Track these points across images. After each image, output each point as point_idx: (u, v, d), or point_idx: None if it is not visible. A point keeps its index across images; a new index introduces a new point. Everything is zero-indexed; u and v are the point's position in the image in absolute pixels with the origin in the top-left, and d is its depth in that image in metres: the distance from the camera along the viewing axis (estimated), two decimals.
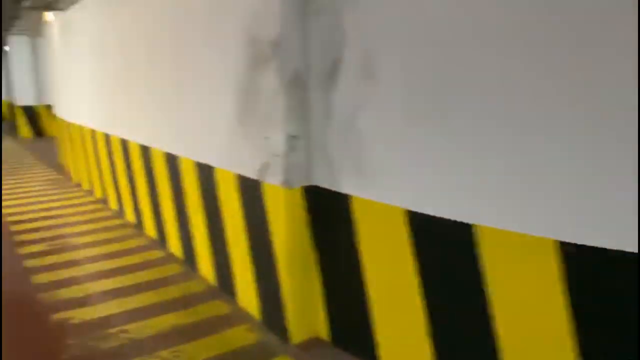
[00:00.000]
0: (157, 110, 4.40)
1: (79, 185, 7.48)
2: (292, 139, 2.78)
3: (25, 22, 10.45)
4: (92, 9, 5.89)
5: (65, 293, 3.69)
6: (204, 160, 3.67)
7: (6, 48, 15.19)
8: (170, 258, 4.38)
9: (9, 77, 16.57)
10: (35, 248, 4.71)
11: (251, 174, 3.08)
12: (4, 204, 6.40)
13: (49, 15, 8.14)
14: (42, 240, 4.94)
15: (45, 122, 14.57)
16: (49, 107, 14.55)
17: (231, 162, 3.32)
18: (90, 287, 3.82)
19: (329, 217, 2.81)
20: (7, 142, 13.42)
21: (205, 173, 3.65)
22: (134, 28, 4.70)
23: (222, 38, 3.21)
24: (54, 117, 10.15)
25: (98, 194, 6.59)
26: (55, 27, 8.15)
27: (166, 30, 4.02)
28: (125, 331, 3.14)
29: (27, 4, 6.57)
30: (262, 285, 3.19)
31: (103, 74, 5.82)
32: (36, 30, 13.58)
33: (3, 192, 7.13)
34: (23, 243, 4.84)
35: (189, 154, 3.90)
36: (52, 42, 8.74)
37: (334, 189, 2.73)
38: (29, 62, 14.45)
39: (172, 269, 4.15)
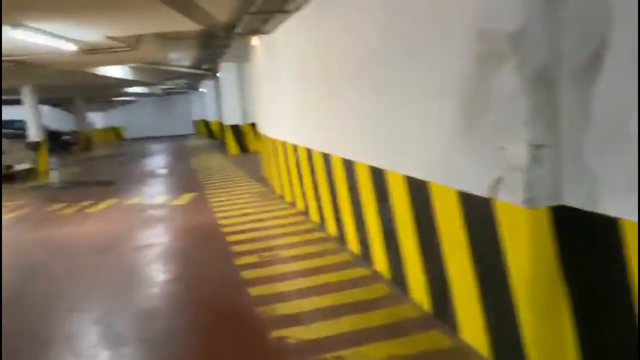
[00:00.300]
0: (361, 122, 4.26)
1: (282, 197, 7.87)
2: (536, 148, 2.29)
3: (234, 49, 11.57)
4: (294, 29, 6.10)
5: (280, 309, 3.72)
6: (415, 173, 3.36)
7: (218, 74, 17.23)
8: (376, 277, 4.18)
9: (220, 100, 18.78)
10: (248, 259, 4.94)
11: (477, 190, 2.66)
12: (220, 215, 7.00)
13: (254, 40, 8.81)
14: (254, 252, 5.18)
15: (250, 139, 16.03)
16: (252, 125, 16.03)
17: (450, 177, 2.94)
18: (301, 304, 3.79)
19: (585, 244, 2.25)
20: (218, 158, 15.08)
21: (417, 188, 3.34)
22: (336, 41, 4.66)
23: (443, 37, 2.87)
24: (258, 134, 11.03)
25: (300, 206, 6.80)
26: (260, 50, 8.78)
27: (372, 39, 3.84)
28: (341, 358, 2.97)
29: (238, 30, 7.10)
30: (493, 320, 2.73)
31: (304, 90, 5.97)
32: (242, 56, 15.10)
33: (219, 204, 7.84)
34: (238, 254, 5.13)
35: (397, 167, 3.64)
36: (257, 64, 9.46)
37: (593, 209, 2.17)
38: (236, 85, 16.07)
39: (380, 290, 3.93)
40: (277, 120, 7.85)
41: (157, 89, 25.98)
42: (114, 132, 32.26)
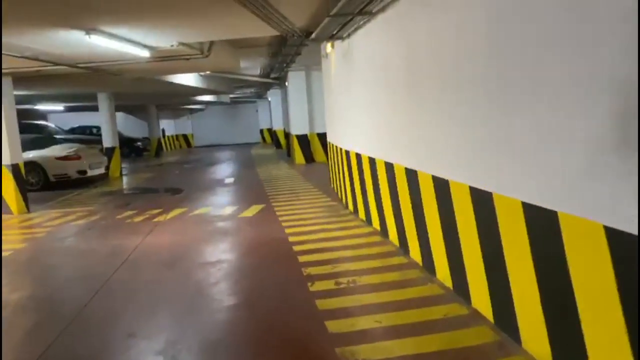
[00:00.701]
0: (460, 135, 3.67)
1: (354, 213, 7.35)
2: None
3: (304, 57, 11.25)
4: (376, 33, 5.60)
5: (364, 352, 3.18)
6: (537, 200, 2.74)
7: (286, 83, 17.06)
8: (477, 318, 3.55)
9: (286, 108, 18.63)
10: (324, 285, 4.45)
11: (632, 227, 2.03)
12: (290, 230, 6.58)
13: (328, 47, 8.40)
14: (329, 276, 4.69)
15: (316, 149, 15.68)
16: (319, 135, 15.70)
17: (588, 207, 2.32)
18: (390, 347, 3.24)
19: None
20: (284, 168, 14.82)
21: (541, 219, 2.72)
22: (432, 44, 4.11)
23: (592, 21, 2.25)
24: (325, 144, 10.60)
25: (376, 224, 6.25)
26: (333, 57, 8.35)
27: (485, 36, 3.25)
28: None
29: (313, 36, 6.69)
30: None
31: (386, 98, 5.45)
32: (311, 64, 14.82)
33: (288, 218, 7.44)
34: (311, 278, 4.65)
35: (508, 191, 3.03)
36: (329, 72, 9.04)
37: None
38: (304, 95, 15.79)
39: (483, 335, 3.31)
40: (350, 131, 7.37)
41: (225, 98, 26.33)
42: (184, 139, 33.10)
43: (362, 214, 6.93)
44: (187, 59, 8.54)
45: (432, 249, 4.42)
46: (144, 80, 12.13)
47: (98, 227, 7.79)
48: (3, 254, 6.27)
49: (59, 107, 20.84)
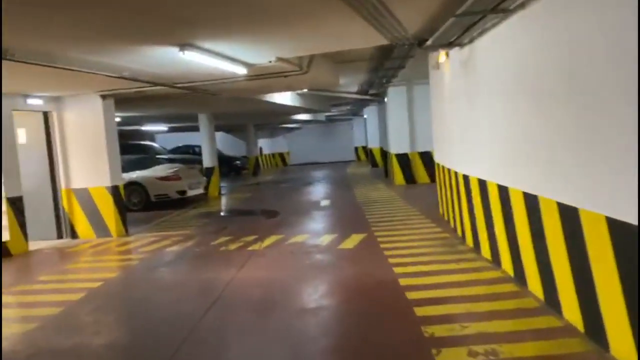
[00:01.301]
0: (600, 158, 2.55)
1: (475, 250, 6.24)
2: None
3: (408, 70, 10.33)
4: (512, 35, 4.56)
5: None
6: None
7: (385, 99, 16.20)
8: None
9: (384, 126, 17.74)
10: (454, 355, 3.46)
11: None
12: (399, 270, 5.63)
13: (439, 57, 7.42)
14: (459, 340, 3.68)
15: (417, 169, 14.58)
16: (421, 155, 14.59)
17: None
18: None
19: None
20: (383, 190, 13.88)
21: None
22: (604, 42, 3.02)
23: None
24: (428, 163, 9.54)
25: (507, 267, 5.12)
26: (447, 67, 7.35)
27: None
28: None
29: (428, 43, 5.77)
30: None
31: (524, 116, 4.37)
32: (414, 78, 13.85)
33: (394, 252, 6.50)
34: (437, 343, 3.67)
35: None
36: (441, 84, 8.03)
37: None
38: (405, 111, 14.81)
39: None
40: (471, 152, 6.29)
41: (321, 116, 26.02)
42: (280, 157, 33.34)
43: (486, 251, 5.81)
44: (286, 76, 7.98)
45: (601, 311, 3.26)
46: (242, 100, 11.88)
47: (192, 255, 7.36)
48: (96, 284, 5.96)
49: (164, 127, 21.64)
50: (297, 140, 33.07)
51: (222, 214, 11.98)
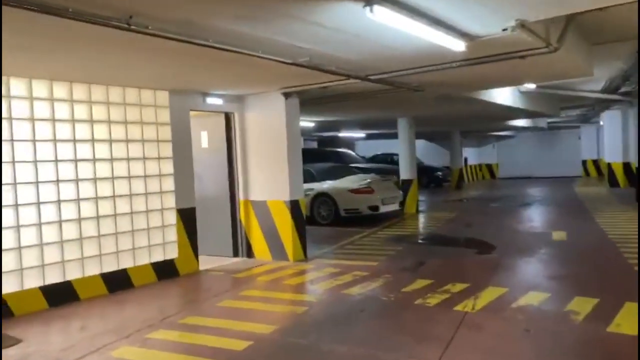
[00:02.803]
0: None
1: None
2: None
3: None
4: None
5: None
6: None
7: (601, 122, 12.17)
8: None
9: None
10: None
11: None
12: None
13: None
14: None
15: None
16: None
17: None
18: None
19: None
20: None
21: None
22: None
23: None
24: None
25: None
26: None
27: None
28: None
29: None
30: None
31: None
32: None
33: None
34: None
35: None
36: None
37: None
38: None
39: None
40: None
41: (542, 122, 21.82)
42: (487, 169, 29.72)
43: None
44: (523, 57, 5.43)
45: None
46: (450, 99, 9.55)
47: (376, 307, 5.33)
48: (240, 344, 4.34)
49: (361, 134, 20.37)
50: (509, 150, 28.94)
51: (419, 239, 9.80)
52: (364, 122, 15.15)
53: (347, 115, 12.60)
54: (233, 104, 7.89)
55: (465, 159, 26.44)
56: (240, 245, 8.10)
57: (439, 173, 22.91)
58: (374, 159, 22.52)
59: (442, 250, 8.49)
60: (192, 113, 7.32)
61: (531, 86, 10.60)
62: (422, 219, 12.63)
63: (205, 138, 8.26)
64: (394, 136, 14.91)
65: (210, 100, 7.48)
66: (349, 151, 18.23)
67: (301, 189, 7.90)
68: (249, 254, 8.05)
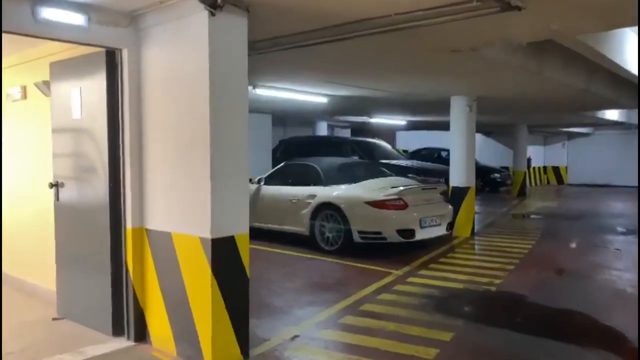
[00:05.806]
0: None
1: None
2: None
3: None
4: None
5: None
6: None
7: None
8: None
9: None
10: None
11: None
12: None
13: None
14: None
15: None
16: None
17: None
18: None
19: None
20: None
21: None
22: None
23: None
24: None
25: None
26: None
27: None
28: None
29: None
30: None
31: None
32: None
33: None
34: None
35: None
36: None
37: None
38: None
39: None
40: None
41: (633, 117, 16.84)
42: (554, 173, 24.69)
43: None
44: None
45: None
46: (527, 72, 5.21)
47: None
48: None
49: (400, 121, 15.98)
50: (583, 150, 23.73)
51: (484, 309, 5.53)
52: (403, 102, 10.78)
53: (373, 83, 8.30)
54: (117, 30, 3.85)
55: (529, 160, 21.55)
56: (126, 316, 4.08)
57: (496, 175, 18.33)
58: (416, 154, 18.14)
59: (533, 346, 4.19)
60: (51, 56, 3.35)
61: None
62: (481, 250, 8.29)
63: (77, 102, 4.28)
64: (444, 126, 10.58)
65: (48, 14, 3.45)
66: (381, 142, 13.86)
67: (244, 214, 3.77)
68: (141, 334, 4.04)
